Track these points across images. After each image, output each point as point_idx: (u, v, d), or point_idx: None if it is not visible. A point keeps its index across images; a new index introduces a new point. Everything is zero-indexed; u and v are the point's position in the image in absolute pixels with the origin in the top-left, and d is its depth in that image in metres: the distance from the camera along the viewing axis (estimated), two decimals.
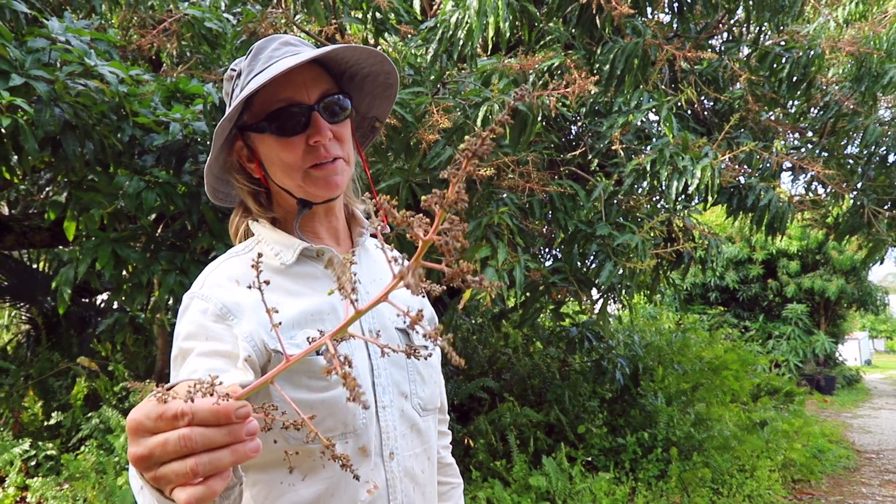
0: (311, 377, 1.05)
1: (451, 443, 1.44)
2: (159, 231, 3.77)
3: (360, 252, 1.23)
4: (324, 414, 1.05)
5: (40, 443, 4.69)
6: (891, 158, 4.78)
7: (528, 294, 4.20)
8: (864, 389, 15.80)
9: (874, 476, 6.77)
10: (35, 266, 6.40)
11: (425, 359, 0.60)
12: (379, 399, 1.12)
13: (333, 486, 1.06)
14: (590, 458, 5.31)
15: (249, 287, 1.13)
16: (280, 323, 1.05)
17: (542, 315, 5.27)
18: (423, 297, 1.22)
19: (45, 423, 5.01)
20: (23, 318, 6.62)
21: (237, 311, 1.06)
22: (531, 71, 3.61)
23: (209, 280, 1.12)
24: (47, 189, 4.12)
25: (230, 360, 1.02)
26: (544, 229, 4.97)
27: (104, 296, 6.38)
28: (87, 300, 6.49)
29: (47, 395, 5.28)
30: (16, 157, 3.12)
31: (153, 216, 3.74)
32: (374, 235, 1.33)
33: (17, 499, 4.19)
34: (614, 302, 5.50)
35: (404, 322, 1.10)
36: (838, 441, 8.33)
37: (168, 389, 0.65)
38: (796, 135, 5.33)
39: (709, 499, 5.26)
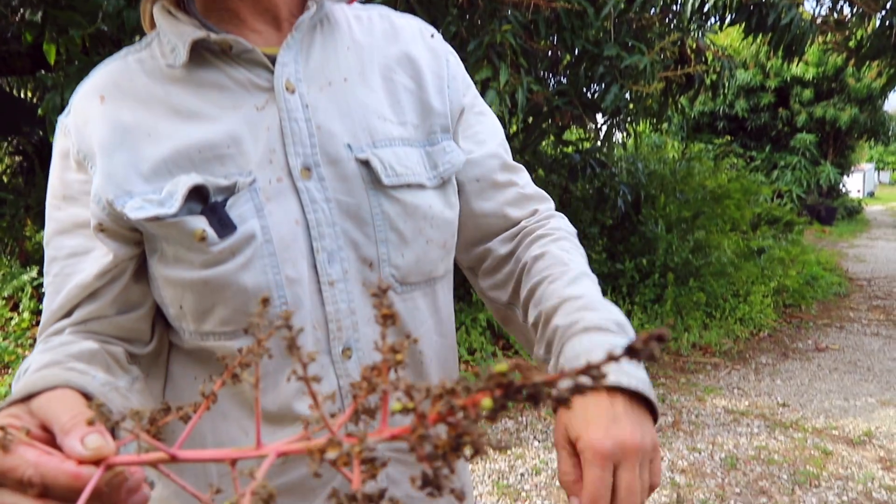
0: (188, 249, 0.73)
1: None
2: None
3: (308, 37, 0.80)
4: (211, 300, 0.74)
5: None
6: None
7: (530, 118, 4.08)
8: (864, 220, 15.96)
9: (863, 301, 6.98)
10: (20, 96, 6.20)
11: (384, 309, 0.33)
12: (322, 270, 0.76)
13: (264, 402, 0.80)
14: None
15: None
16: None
17: (544, 141, 5.16)
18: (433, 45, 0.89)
19: None
20: (14, 149, 6.53)
21: (93, 150, 0.74)
22: None
23: (78, 96, 0.78)
24: (21, 10, 3.87)
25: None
26: (549, 53, 4.73)
27: None
28: None
29: None
30: None
31: (137, 37, 3.55)
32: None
33: (33, 323, 4.34)
34: (619, 130, 5.38)
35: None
36: (832, 269, 8.52)
37: (1, 430, 0.47)
38: None
39: (701, 321, 5.45)
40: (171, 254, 0.74)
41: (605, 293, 0.80)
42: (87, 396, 0.58)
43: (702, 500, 2.95)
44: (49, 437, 0.50)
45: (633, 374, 0.67)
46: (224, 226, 0.72)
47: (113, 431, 0.49)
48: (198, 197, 0.72)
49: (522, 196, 0.91)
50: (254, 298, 0.73)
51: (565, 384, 0.26)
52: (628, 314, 5.33)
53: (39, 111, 3.36)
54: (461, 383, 0.29)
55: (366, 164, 0.77)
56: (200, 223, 0.71)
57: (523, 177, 0.94)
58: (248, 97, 0.76)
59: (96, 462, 0.45)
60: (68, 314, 0.76)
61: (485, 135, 0.91)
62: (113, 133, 0.73)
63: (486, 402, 0.27)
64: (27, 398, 0.54)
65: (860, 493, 3.02)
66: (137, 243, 0.76)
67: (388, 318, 0.34)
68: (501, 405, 0.27)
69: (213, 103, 0.75)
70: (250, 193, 0.73)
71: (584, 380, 0.25)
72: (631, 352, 0.25)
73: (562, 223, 0.91)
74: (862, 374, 4.66)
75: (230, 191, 0.73)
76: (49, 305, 0.77)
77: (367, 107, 0.80)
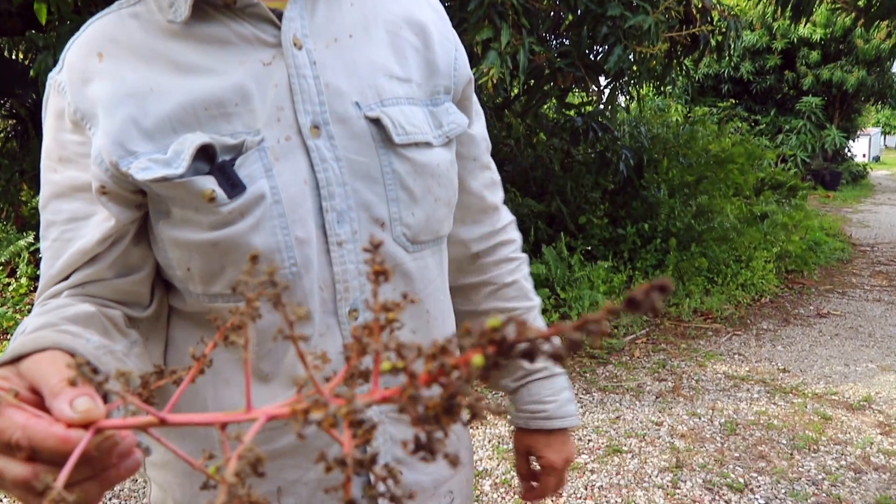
0: (196, 210, 0.71)
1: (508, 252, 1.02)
2: None
3: None
4: (221, 262, 0.73)
5: None
6: None
7: (532, 81, 4.01)
8: (869, 185, 15.88)
9: (865, 267, 6.96)
10: (12, 57, 6.10)
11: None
12: (331, 231, 0.75)
13: (262, 365, 0.78)
14: (589, 248, 5.42)
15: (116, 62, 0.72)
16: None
17: (546, 105, 5.09)
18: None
19: None
20: (7, 112, 6.45)
21: (93, 110, 0.71)
22: None
23: (72, 52, 0.74)
24: None
25: (93, 195, 0.73)
26: (551, 13, 4.64)
27: None
28: None
29: None
30: None
31: None
32: None
33: (31, 288, 4.35)
34: (622, 93, 5.30)
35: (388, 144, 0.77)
36: (835, 234, 8.49)
37: None
38: None
39: (703, 286, 5.43)
40: (179, 215, 0.72)
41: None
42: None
43: (701, 464, 2.96)
44: (38, 400, 0.48)
45: (574, 414, 1.01)
46: (233, 186, 0.70)
47: (106, 395, 0.47)
48: (204, 156, 0.70)
49: (493, 182, 0.99)
50: (264, 260, 0.73)
51: (560, 340, 0.25)
52: (629, 279, 5.32)
53: (31, 72, 3.30)
54: (454, 342, 0.27)
55: (376, 122, 0.77)
56: (209, 183, 0.69)
57: (492, 160, 1.00)
58: (254, 52, 0.74)
59: (86, 425, 0.43)
60: (66, 278, 0.74)
61: (477, 105, 0.95)
62: (115, 92, 0.70)
63: (478, 359, 0.25)
64: (16, 360, 0.53)
65: (858, 458, 3.03)
66: (139, 206, 0.74)
67: (379, 275, 0.33)
68: (494, 363, 0.25)
69: (218, 58, 0.73)
70: (259, 153, 0.72)
71: (581, 336, 0.24)
72: (632, 303, 0.22)
73: (518, 239, 1.05)
74: (863, 340, 4.66)
75: (237, 150, 0.71)
76: (47, 270, 0.75)
77: (374, 64, 0.79)
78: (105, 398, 0.47)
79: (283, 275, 0.74)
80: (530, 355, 0.24)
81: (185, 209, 0.71)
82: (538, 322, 1.01)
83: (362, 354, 0.32)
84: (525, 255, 1.05)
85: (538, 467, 1.04)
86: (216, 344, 0.45)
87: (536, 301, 1.03)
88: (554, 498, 2.69)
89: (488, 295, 1.00)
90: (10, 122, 6.42)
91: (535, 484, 1.05)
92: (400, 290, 0.81)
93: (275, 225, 0.72)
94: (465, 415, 0.27)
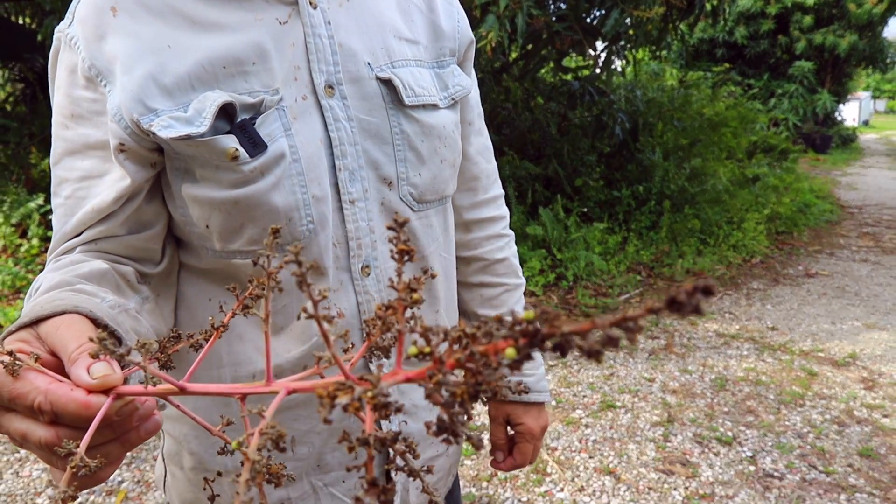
0: (217, 168, 0.71)
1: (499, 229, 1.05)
2: None
3: None
4: (241, 220, 0.74)
5: None
6: None
7: (530, 45, 4.01)
8: (858, 149, 15.90)
9: (853, 229, 7.04)
10: (19, 22, 6.03)
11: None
12: (344, 189, 0.77)
13: (275, 318, 0.79)
14: (585, 210, 5.48)
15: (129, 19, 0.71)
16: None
17: (543, 69, 5.09)
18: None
19: None
20: (16, 76, 6.40)
21: (109, 67, 0.69)
22: None
23: (82, 6, 0.72)
24: None
25: (107, 152, 0.72)
26: None
27: None
28: None
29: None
30: None
31: None
32: None
33: (42, 249, 4.38)
34: (619, 57, 5.29)
35: (391, 102, 0.79)
36: (825, 197, 8.55)
37: (10, 355, 0.46)
38: None
39: (696, 247, 5.51)
40: (199, 173, 0.72)
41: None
42: (96, 321, 0.57)
43: (691, 418, 3.06)
44: (58, 363, 0.49)
45: (547, 391, 1.05)
46: (255, 145, 0.71)
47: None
48: (223, 115, 0.70)
49: (486, 147, 1.00)
50: (283, 217, 0.74)
51: (596, 335, 0.24)
52: (624, 241, 5.39)
53: (39, 36, 3.30)
54: (482, 328, 0.26)
55: (387, 83, 0.79)
56: (231, 142, 0.70)
57: (484, 126, 1.01)
58: (270, 9, 0.74)
59: (105, 391, 0.44)
60: (79, 234, 0.75)
61: (473, 70, 0.96)
62: (133, 49, 0.69)
63: (510, 351, 0.25)
64: (36, 322, 0.53)
65: (842, 412, 3.14)
66: (154, 164, 0.74)
67: (404, 254, 0.33)
68: (526, 355, 0.25)
69: (234, 15, 0.73)
70: (278, 112, 0.73)
71: (617, 332, 0.23)
72: (674, 304, 0.21)
73: (508, 215, 1.06)
74: (849, 299, 4.76)
75: (255, 108, 0.71)
76: (61, 227, 0.75)
77: (383, 25, 0.81)
78: (123, 363, 0.48)
79: (300, 232, 0.75)
80: (562, 349, 0.24)
81: (204, 167, 0.71)
82: (521, 303, 1.04)
83: (385, 332, 0.33)
84: (512, 233, 1.07)
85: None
86: (234, 314, 0.47)
87: (523, 280, 1.06)
88: (549, 451, 2.79)
89: (479, 270, 1.03)
90: (18, 86, 6.38)
91: (509, 454, 1.08)
92: None
93: (294, 183, 0.73)
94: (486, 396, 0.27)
